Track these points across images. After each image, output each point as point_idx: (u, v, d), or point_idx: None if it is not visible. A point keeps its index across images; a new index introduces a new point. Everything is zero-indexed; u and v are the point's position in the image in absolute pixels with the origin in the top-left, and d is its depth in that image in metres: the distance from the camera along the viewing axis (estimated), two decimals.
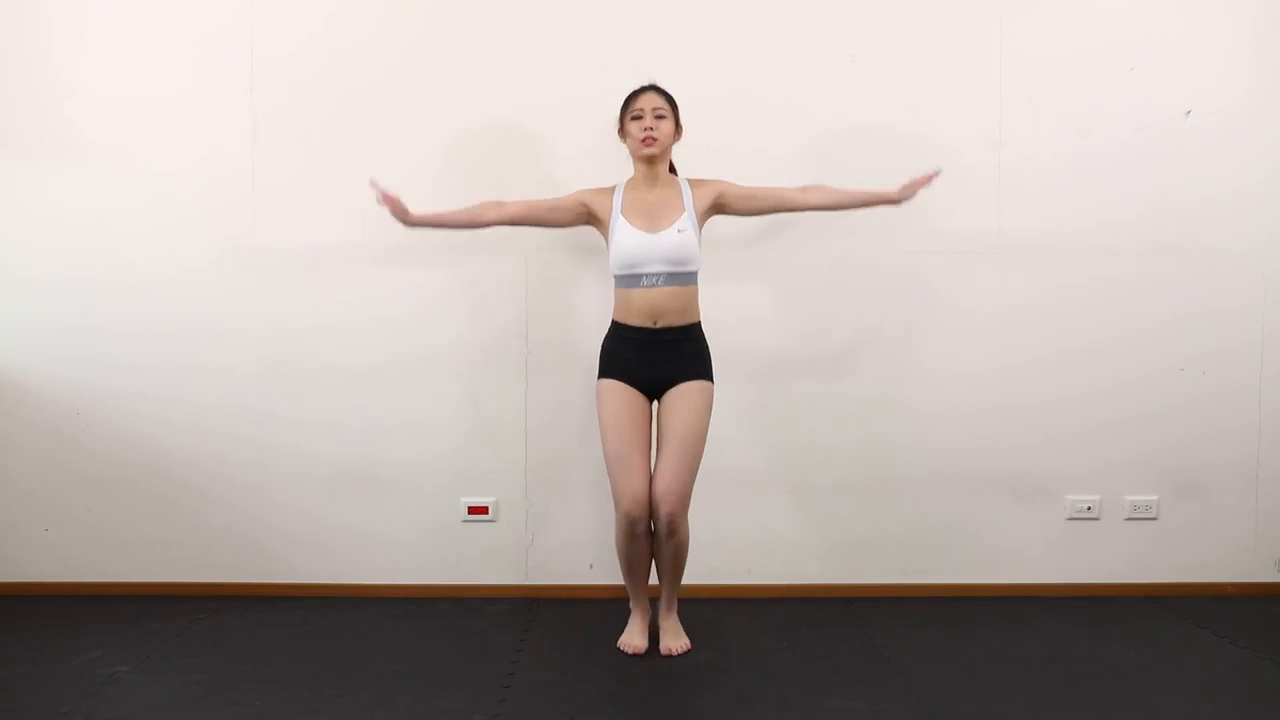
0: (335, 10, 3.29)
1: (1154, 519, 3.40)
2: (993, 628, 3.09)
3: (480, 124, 3.30)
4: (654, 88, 2.86)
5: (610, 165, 2.98)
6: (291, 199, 3.30)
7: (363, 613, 3.18)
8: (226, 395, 3.32)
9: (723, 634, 3.01)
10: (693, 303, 2.84)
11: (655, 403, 2.86)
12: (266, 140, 3.30)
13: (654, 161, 2.84)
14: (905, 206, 2.87)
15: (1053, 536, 3.40)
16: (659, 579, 2.92)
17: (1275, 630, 3.07)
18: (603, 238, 2.88)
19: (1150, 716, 2.48)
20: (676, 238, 2.77)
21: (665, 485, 2.74)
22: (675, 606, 2.94)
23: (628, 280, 2.80)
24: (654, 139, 2.80)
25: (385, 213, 2.81)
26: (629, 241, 2.78)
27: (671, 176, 2.91)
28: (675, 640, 2.89)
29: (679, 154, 2.97)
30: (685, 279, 2.80)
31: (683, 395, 2.80)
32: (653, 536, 2.83)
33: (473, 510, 3.35)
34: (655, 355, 2.80)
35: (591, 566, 3.35)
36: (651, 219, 2.80)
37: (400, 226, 2.85)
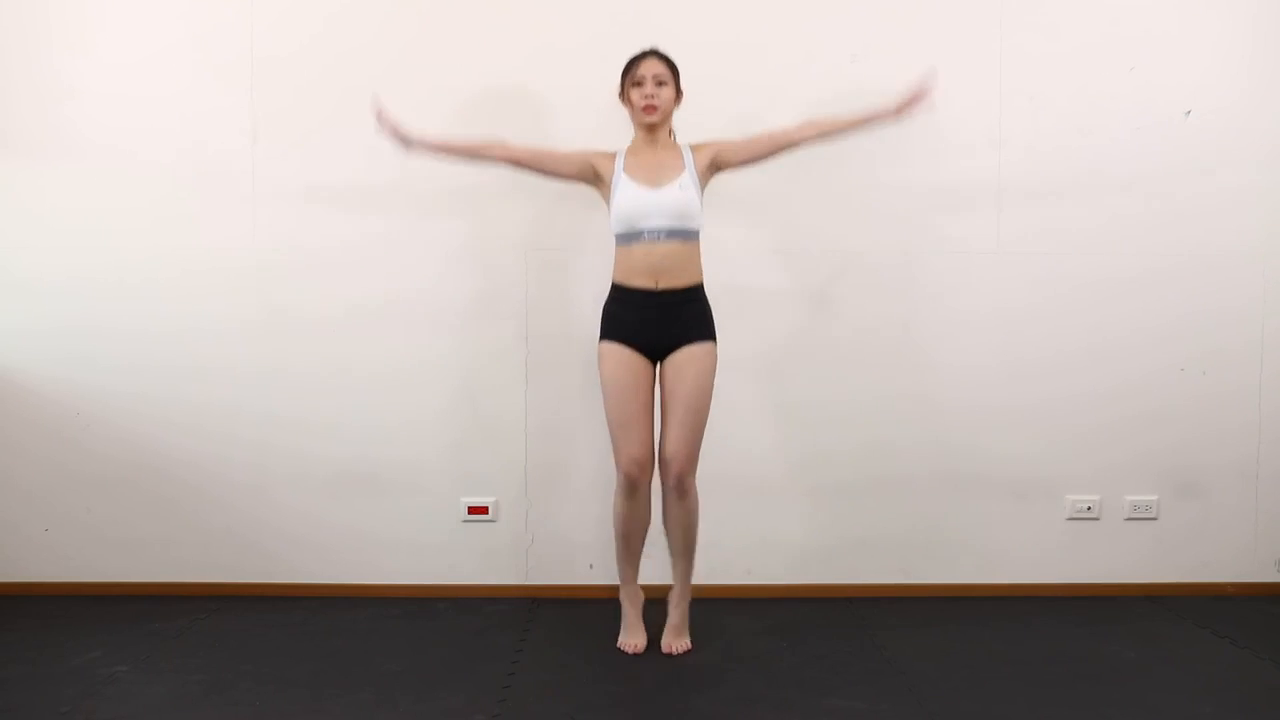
0: (336, 10, 3.29)
1: (1154, 519, 3.40)
2: (993, 628, 3.09)
3: (481, 123, 3.29)
4: (654, 53, 2.86)
5: None
6: (291, 199, 3.30)
7: (363, 613, 3.18)
8: (226, 395, 3.32)
9: (723, 634, 3.01)
10: (694, 262, 2.83)
11: (658, 364, 2.86)
12: (266, 140, 3.30)
13: (654, 128, 2.84)
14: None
15: (1053, 536, 3.40)
16: (671, 559, 2.92)
17: (1275, 630, 3.07)
18: (603, 200, 2.89)
19: (1150, 716, 2.48)
20: (678, 193, 2.78)
21: (674, 448, 2.79)
22: (688, 597, 2.93)
23: (628, 237, 2.79)
24: (654, 106, 2.81)
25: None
26: (630, 196, 2.78)
27: (672, 141, 2.91)
28: (678, 638, 2.89)
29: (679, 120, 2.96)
30: (686, 235, 2.80)
31: (689, 358, 2.80)
32: (664, 518, 2.87)
33: (473, 510, 3.35)
34: (658, 318, 2.80)
35: (591, 566, 3.35)
36: (653, 177, 2.80)
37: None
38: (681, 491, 2.82)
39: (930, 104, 2.82)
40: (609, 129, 2.95)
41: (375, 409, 3.33)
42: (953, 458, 3.36)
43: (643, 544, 2.92)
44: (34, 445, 3.34)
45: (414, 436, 3.34)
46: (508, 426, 3.35)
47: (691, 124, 2.94)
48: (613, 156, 2.87)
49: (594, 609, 3.18)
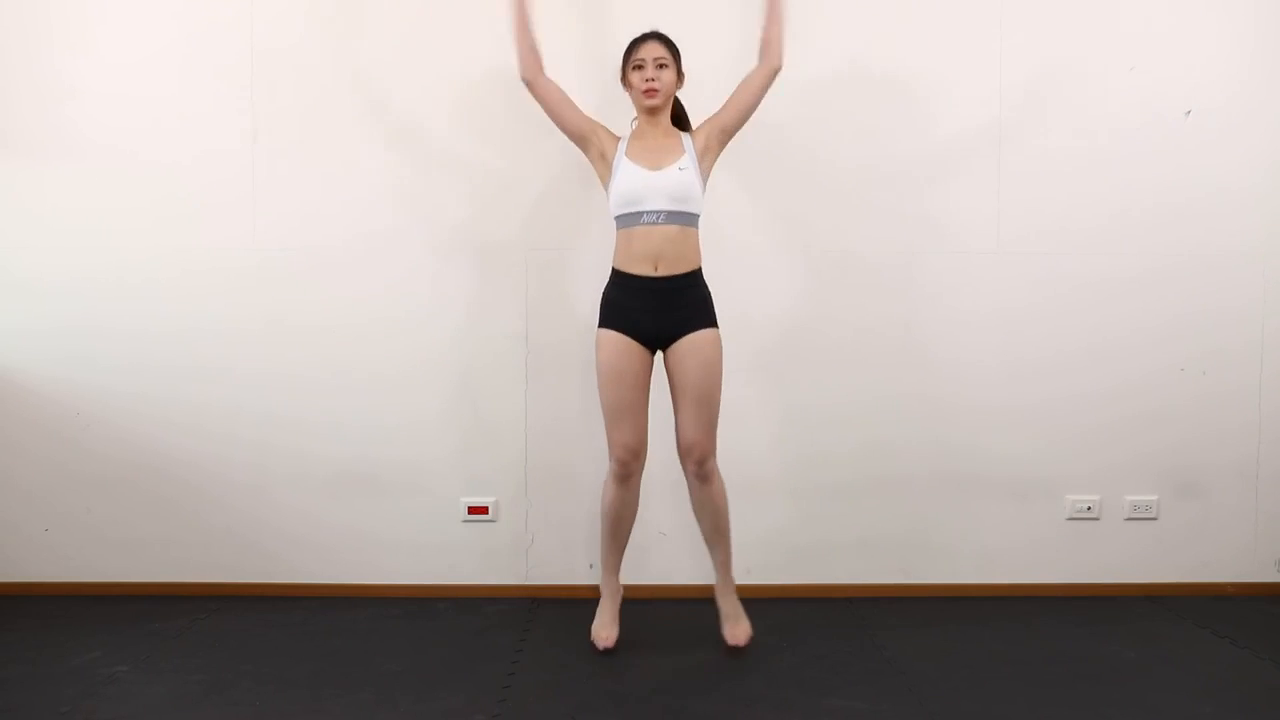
0: (336, 10, 3.29)
1: (1154, 519, 3.40)
2: (993, 628, 3.09)
3: (480, 123, 3.29)
4: (655, 35, 2.86)
5: None
6: (291, 199, 3.30)
7: (363, 613, 3.18)
8: (226, 395, 3.32)
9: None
10: (694, 248, 2.82)
11: (659, 352, 2.86)
12: (266, 140, 3.29)
13: (656, 111, 2.84)
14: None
15: (1053, 536, 3.40)
16: (708, 550, 2.93)
17: (1275, 630, 3.07)
18: (600, 181, 2.88)
19: (1150, 716, 2.48)
20: (678, 175, 2.78)
21: (691, 435, 2.80)
22: (733, 584, 2.93)
23: (628, 219, 2.79)
24: (655, 90, 2.81)
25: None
26: (630, 177, 2.78)
27: (672, 125, 2.90)
28: (737, 626, 2.87)
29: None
30: (686, 219, 2.79)
31: (695, 347, 2.79)
32: (693, 508, 2.88)
33: (473, 510, 3.35)
34: (658, 306, 2.79)
35: (591, 566, 3.34)
36: (653, 159, 2.80)
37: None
38: (704, 476, 2.82)
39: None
40: (612, 114, 2.94)
41: (375, 409, 3.33)
42: (953, 458, 3.36)
43: (629, 533, 2.93)
44: (34, 445, 3.34)
45: (414, 436, 3.34)
46: (508, 426, 3.34)
47: (690, 114, 2.94)
48: (617, 139, 2.87)
49: (594, 609, 3.16)
